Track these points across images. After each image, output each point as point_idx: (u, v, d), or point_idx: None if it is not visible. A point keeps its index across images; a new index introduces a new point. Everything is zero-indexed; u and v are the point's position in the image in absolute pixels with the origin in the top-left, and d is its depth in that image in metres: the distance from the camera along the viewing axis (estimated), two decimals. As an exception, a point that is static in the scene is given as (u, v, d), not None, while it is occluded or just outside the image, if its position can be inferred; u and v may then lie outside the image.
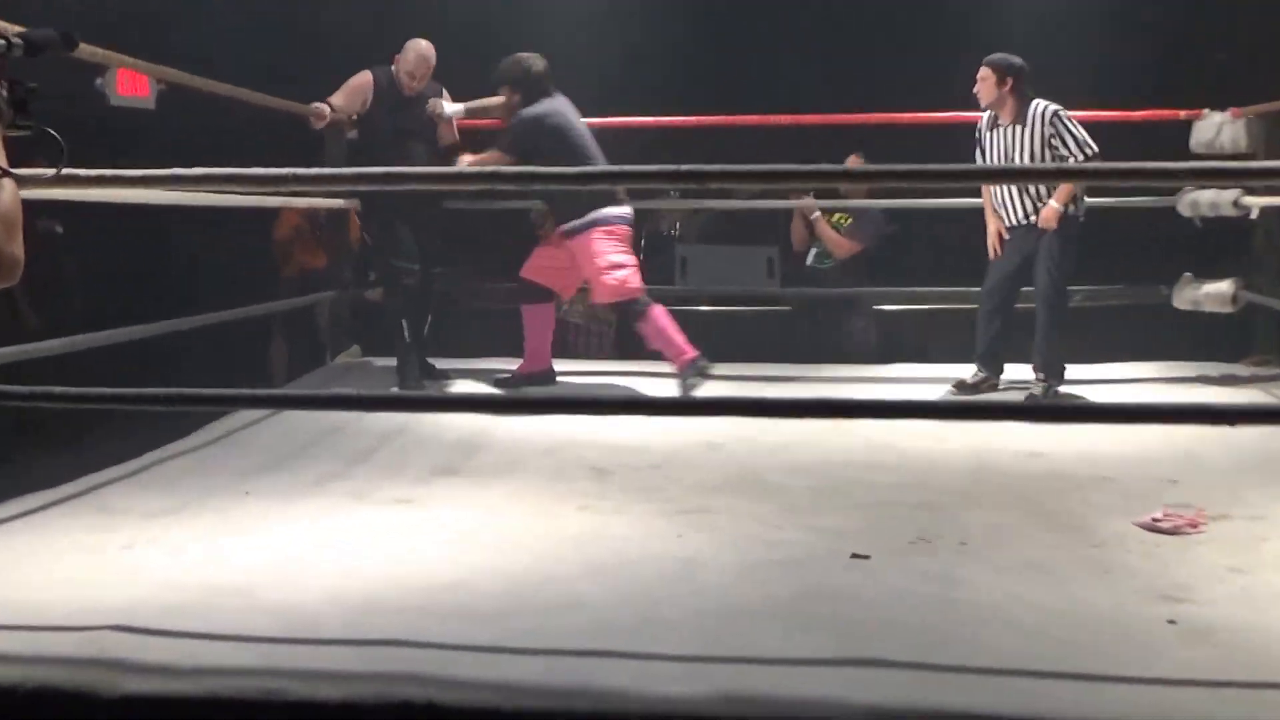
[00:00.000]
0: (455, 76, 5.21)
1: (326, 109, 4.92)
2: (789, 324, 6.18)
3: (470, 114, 5.14)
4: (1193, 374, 5.14)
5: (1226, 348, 5.44)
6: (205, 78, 4.35)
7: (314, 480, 3.61)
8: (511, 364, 5.15)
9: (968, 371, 4.93)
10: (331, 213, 5.51)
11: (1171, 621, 2.40)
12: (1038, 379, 4.74)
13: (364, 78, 5.01)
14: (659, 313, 4.71)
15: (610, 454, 3.85)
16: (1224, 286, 5.11)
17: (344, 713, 2.10)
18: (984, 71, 4.72)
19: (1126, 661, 2.17)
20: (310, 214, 5.99)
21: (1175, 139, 5.28)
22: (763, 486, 3.52)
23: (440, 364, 5.15)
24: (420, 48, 4.97)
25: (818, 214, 5.80)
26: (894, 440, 3.99)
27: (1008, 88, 4.68)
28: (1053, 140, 4.63)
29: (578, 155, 4.65)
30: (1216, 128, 5.18)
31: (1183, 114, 5.30)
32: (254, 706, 2.11)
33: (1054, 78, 4.95)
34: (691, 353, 4.66)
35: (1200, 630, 2.35)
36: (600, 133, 5.03)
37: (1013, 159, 4.71)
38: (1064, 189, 4.63)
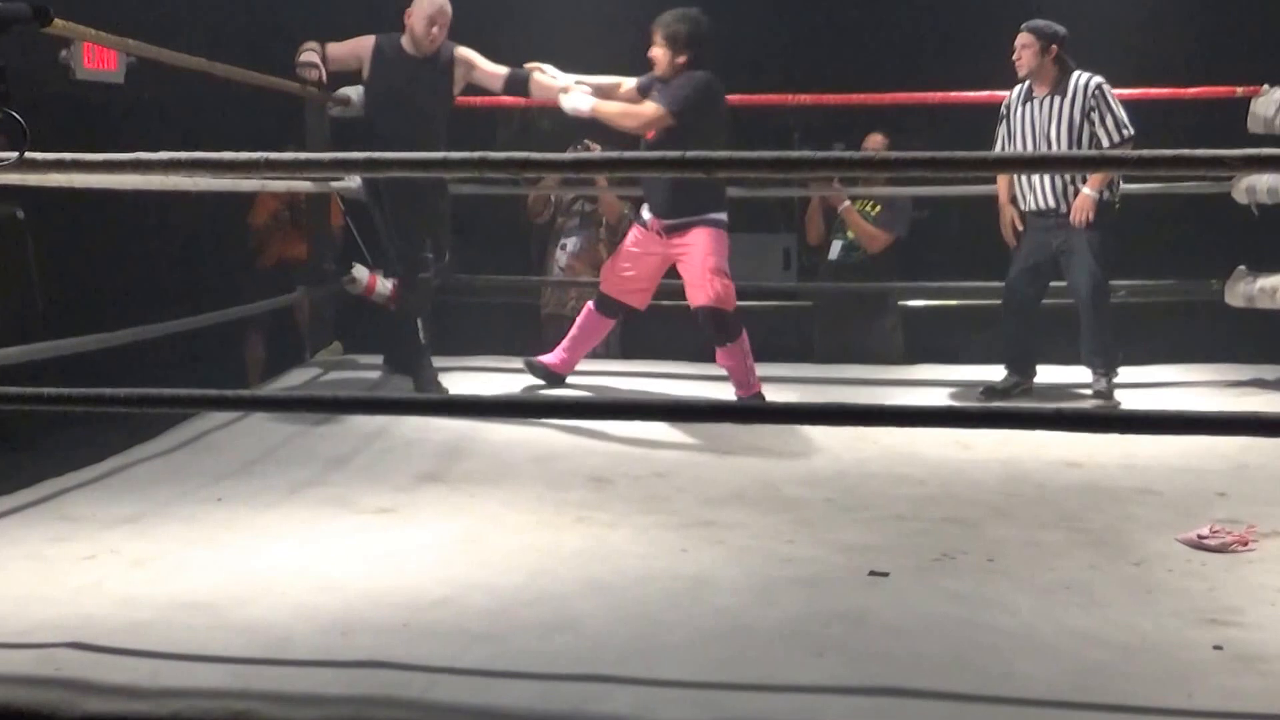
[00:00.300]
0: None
1: (317, 59, 4.69)
2: (809, 321, 6.15)
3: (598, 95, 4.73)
4: (1247, 378, 5.12)
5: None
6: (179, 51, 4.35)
7: (290, 486, 3.62)
8: (504, 361, 5.19)
9: (998, 375, 4.92)
10: (312, 198, 5.51)
11: (1218, 647, 2.39)
12: (1097, 374, 4.72)
13: (365, 40, 4.82)
14: (746, 336, 4.61)
15: (611, 461, 3.85)
16: (1280, 281, 5.07)
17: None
18: (1026, 38, 4.67)
19: (1166, 691, 2.17)
20: (289, 199, 5.99)
21: (1231, 116, 5.24)
22: (775, 498, 3.52)
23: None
24: None
25: (847, 203, 5.68)
26: (917, 449, 3.98)
27: (1050, 56, 4.64)
28: (1091, 114, 4.61)
29: (723, 138, 4.52)
30: (1277, 105, 5.14)
31: (1239, 90, 5.25)
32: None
33: (1096, 50, 4.91)
34: (759, 386, 4.61)
35: (1247, 657, 2.34)
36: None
37: (1048, 134, 4.66)
38: (1099, 175, 4.58)
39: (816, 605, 2.63)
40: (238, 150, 2.55)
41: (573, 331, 4.96)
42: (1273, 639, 2.43)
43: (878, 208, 5.71)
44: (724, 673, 2.26)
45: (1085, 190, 4.61)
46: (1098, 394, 4.70)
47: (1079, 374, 4.86)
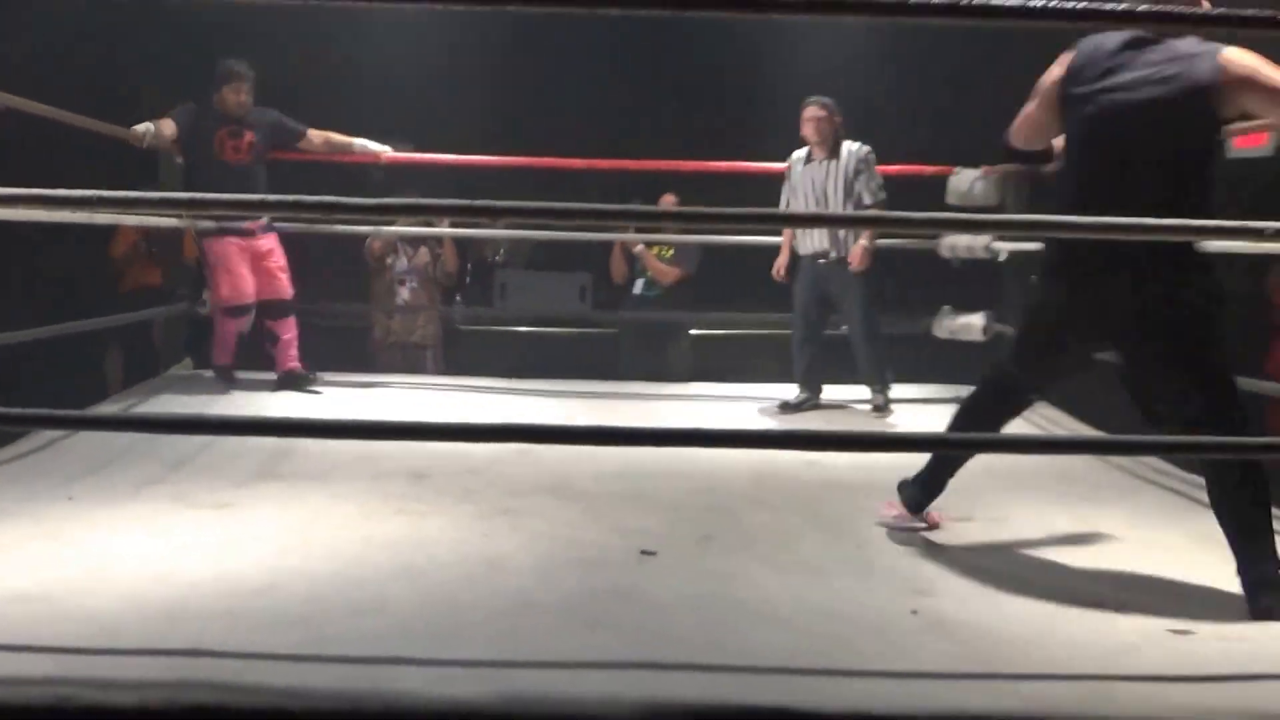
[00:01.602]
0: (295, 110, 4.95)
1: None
2: (609, 346, 6.13)
3: None
4: (949, 395, 5.25)
5: (979, 371, 5.59)
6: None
7: (136, 484, 3.33)
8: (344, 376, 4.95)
9: (784, 393, 4.93)
10: (166, 231, 5.19)
11: (914, 612, 2.39)
12: (875, 392, 4.79)
13: None
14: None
15: (429, 458, 3.67)
16: (976, 319, 5.27)
17: (137, 717, 1.90)
18: (816, 110, 4.70)
19: (877, 654, 2.14)
20: (146, 232, 5.62)
21: (931, 190, 5.39)
22: (570, 490, 3.41)
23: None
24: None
25: (641, 247, 5.76)
26: (691, 448, 3.94)
27: (835, 126, 4.71)
28: (858, 177, 4.68)
29: None
30: (970, 182, 5.32)
31: (930, 170, 5.37)
32: (42, 714, 1.89)
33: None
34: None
35: (941, 623, 2.35)
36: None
37: (824, 191, 4.71)
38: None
39: (594, 584, 2.53)
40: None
41: (225, 342, 4.90)
42: (961, 607, 2.45)
43: (671, 250, 5.80)
44: (510, 648, 2.13)
45: (861, 241, 4.68)
46: (876, 408, 4.75)
47: (858, 391, 4.91)
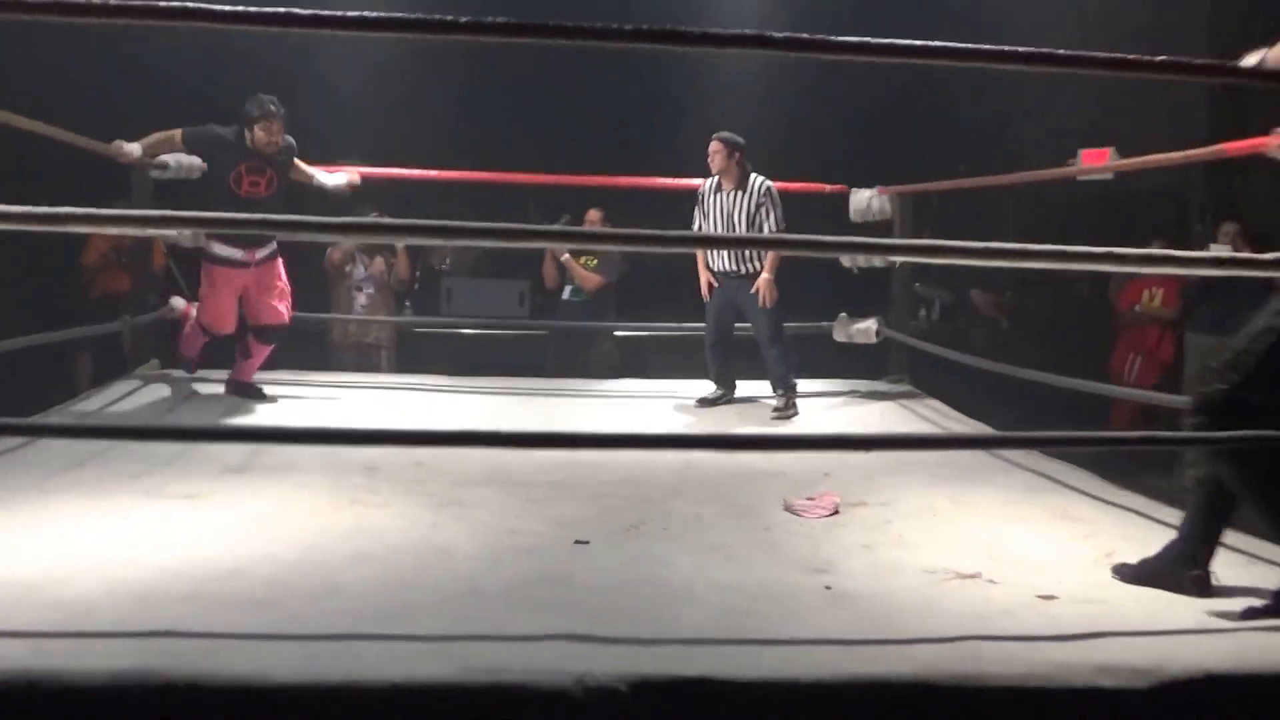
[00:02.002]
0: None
1: None
2: (544, 347, 6.12)
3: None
4: (846, 389, 5.38)
5: (871, 368, 5.72)
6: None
7: (107, 477, 3.23)
8: (302, 375, 4.82)
9: (700, 389, 4.98)
10: (137, 241, 5.03)
11: (828, 588, 2.43)
12: (777, 394, 4.79)
13: None
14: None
15: (381, 453, 3.62)
16: (869, 324, 5.40)
17: (109, 697, 1.85)
18: (716, 145, 4.73)
19: (782, 626, 2.18)
20: (116, 242, 5.44)
21: (835, 205, 5.49)
22: (510, 481, 3.39)
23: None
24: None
25: (566, 256, 5.80)
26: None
27: (735, 160, 4.73)
28: (762, 209, 4.72)
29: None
30: (868, 200, 5.45)
31: (828, 188, 5.48)
32: (17, 696, 1.83)
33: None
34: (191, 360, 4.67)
35: (841, 596, 2.39)
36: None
37: (731, 218, 4.74)
38: (771, 260, 4.72)
39: (536, 569, 2.53)
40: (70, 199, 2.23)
41: (193, 343, 4.62)
42: (856, 582, 2.50)
43: (595, 260, 5.84)
44: (460, 627, 2.13)
45: (765, 275, 4.71)
46: (777, 410, 4.76)
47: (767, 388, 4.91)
